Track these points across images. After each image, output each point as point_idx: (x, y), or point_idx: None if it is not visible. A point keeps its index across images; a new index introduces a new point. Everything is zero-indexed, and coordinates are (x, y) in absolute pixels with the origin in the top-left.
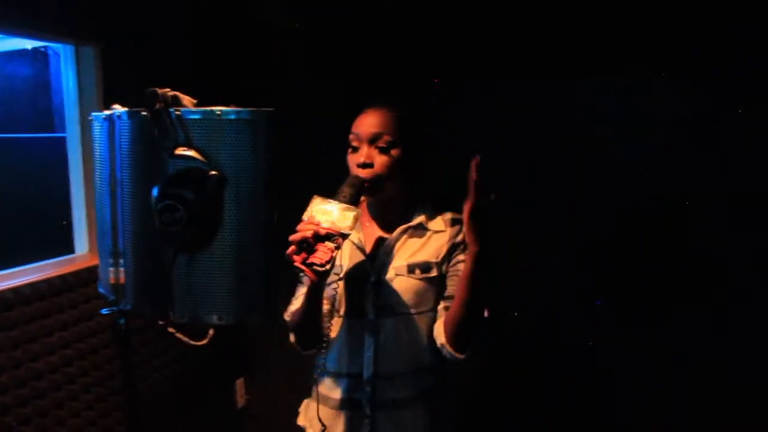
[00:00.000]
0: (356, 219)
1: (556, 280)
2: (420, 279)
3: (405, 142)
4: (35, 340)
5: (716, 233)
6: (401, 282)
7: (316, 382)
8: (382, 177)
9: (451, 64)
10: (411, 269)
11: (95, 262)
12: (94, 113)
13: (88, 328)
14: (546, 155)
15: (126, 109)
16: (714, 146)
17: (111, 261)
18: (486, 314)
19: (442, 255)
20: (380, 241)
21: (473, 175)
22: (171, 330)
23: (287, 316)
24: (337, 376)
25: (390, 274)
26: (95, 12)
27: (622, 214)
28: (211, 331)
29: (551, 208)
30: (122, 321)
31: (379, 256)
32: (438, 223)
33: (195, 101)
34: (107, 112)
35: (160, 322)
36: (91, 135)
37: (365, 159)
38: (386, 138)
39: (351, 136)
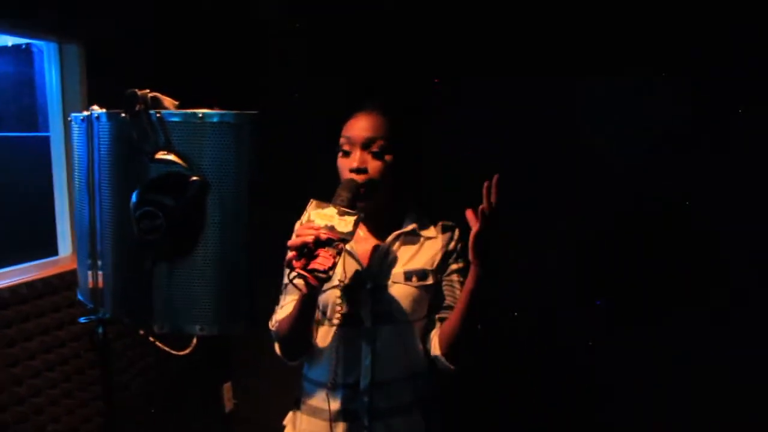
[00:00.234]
0: (357, 223)
1: (556, 280)
2: (416, 286)
3: (398, 146)
4: (15, 344)
5: (716, 233)
6: (399, 289)
7: (304, 394)
8: (376, 182)
9: (451, 63)
10: (408, 276)
11: None
12: (73, 113)
13: (71, 333)
14: (546, 155)
15: (105, 110)
16: (714, 146)
17: (89, 264)
18: (479, 327)
19: (436, 262)
20: (374, 247)
21: (490, 198)
22: (152, 339)
23: (273, 326)
24: (329, 387)
25: (387, 281)
26: (79, 9)
27: (622, 214)
28: (194, 340)
29: (551, 208)
30: (100, 330)
31: (373, 263)
32: (430, 229)
33: (177, 103)
34: (86, 113)
35: (140, 332)
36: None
37: (359, 164)
38: (380, 143)
39: (342, 140)
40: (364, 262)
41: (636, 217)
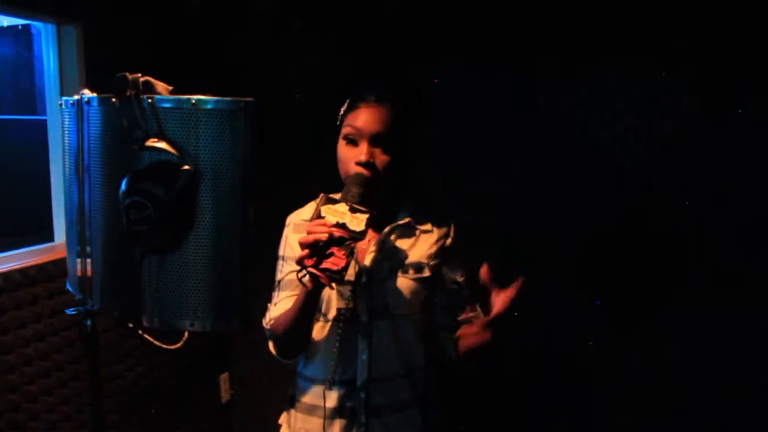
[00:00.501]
0: (369, 222)
1: (556, 280)
2: (413, 279)
3: (405, 142)
4: (8, 332)
5: (716, 233)
6: (396, 282)
7: (299, 392)
8: (382, 176)
9: (450, 64)
10: (405, 269)
11: None
12: (64, 97)
13: (65, 320)
14: (545, 155)
15: (95, 94)
16: (713, 146)
17: (78, 251)
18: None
19: (433, 255)
20: (369, 241)
21: (513, 292)
22: (140, 333)
23: (268, 324)
24: (325, 384)
25: (383, 275)
26: None
27: (622, 214)
28: (186, 334)
29: (551, 208)
30: (88, 322)
31: (369, 257)
32: (425, 223)
33: (171, 88)
34: (76, 97)
35: (130, 325)
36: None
37: (367, 158)
38: (389, 137)
39: (348, 129)
40: (360, 256)
41: (636, 217)
